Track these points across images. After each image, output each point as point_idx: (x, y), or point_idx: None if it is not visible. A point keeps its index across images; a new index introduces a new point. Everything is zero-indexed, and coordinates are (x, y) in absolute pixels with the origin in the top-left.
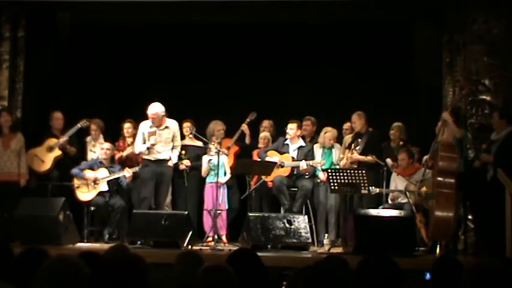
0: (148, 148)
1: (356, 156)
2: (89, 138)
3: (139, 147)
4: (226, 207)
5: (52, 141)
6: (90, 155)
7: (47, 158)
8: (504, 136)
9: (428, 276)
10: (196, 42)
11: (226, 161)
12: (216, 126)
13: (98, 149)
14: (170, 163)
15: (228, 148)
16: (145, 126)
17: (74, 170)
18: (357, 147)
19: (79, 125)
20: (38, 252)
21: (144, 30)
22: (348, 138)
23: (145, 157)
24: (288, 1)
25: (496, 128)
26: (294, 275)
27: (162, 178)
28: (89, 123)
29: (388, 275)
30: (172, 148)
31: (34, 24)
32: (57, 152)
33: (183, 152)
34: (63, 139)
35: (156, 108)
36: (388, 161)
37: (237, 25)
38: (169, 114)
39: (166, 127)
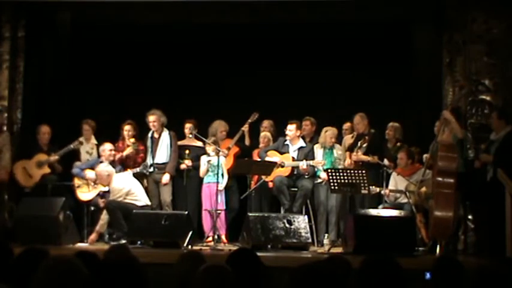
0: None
1: (361, 156)
2: (81, 139)
3: None
4: (224, 207)
5: (42, 157)
6: (85, 156)
7: (36, 173)
8: (503, 136)
9: (428, 276)
10: (197, 42)
11: (223, 163)
12: (220, 127)
13: (87, 147)
14: None
15: (228, 149)
16: None
17: (75, 170)
18: (364, 145)
19: (71, 146)
20: (38, 252)
21: (145, 30)
22: (348, 138)
23: None
24: (288, 1)
25: (494, 128)
26: (292, 273)
27: None
28: (81, 144)
29: (391, 276)
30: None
31: (34, 24)
32: (46, 170)
33: (187, 151)
34: (55, 158)
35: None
36: (385, 161)
37: (237, 25)
38: (170, 114)
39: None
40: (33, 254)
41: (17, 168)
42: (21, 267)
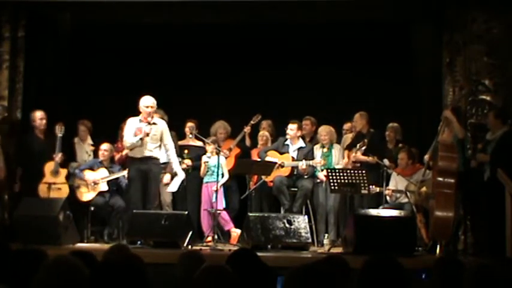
0: (141, 139)
1: (359, 156)
2: (76, 139)
3: (130, 139)
4: (224, 206)
5: (51, 165)
6: (85, 157)
7: (59, 180)
8: (500, 136)
9: (424, 276)
10: (197, 42)
11: (224, 163)
12: (219, 129)
13: (87, 148)
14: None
15: (230, 150)
16: (134, 121)
17: (74, 171)
18: (363, 148)
19: (59, 134)
20: (36, 253)
21: (145, 30)
22: (347, 137)
23: (131, 155)
24: (288, 1)
25: (491, 127)
26: (291, 273)
27: (149, 175)
28: (63, 127)
29: (393, 277)
30: (161, 148)
31: (34, 24)
32: (64, 171)
33: (186, 151)
34: (59, 157)
35: (153, 100)
36: (385, 161)
37: (237, 25)
38: (171, 114)
39: (154, 123)
40: (30, 255)
41: (43, 190)
42: (19, 267)
